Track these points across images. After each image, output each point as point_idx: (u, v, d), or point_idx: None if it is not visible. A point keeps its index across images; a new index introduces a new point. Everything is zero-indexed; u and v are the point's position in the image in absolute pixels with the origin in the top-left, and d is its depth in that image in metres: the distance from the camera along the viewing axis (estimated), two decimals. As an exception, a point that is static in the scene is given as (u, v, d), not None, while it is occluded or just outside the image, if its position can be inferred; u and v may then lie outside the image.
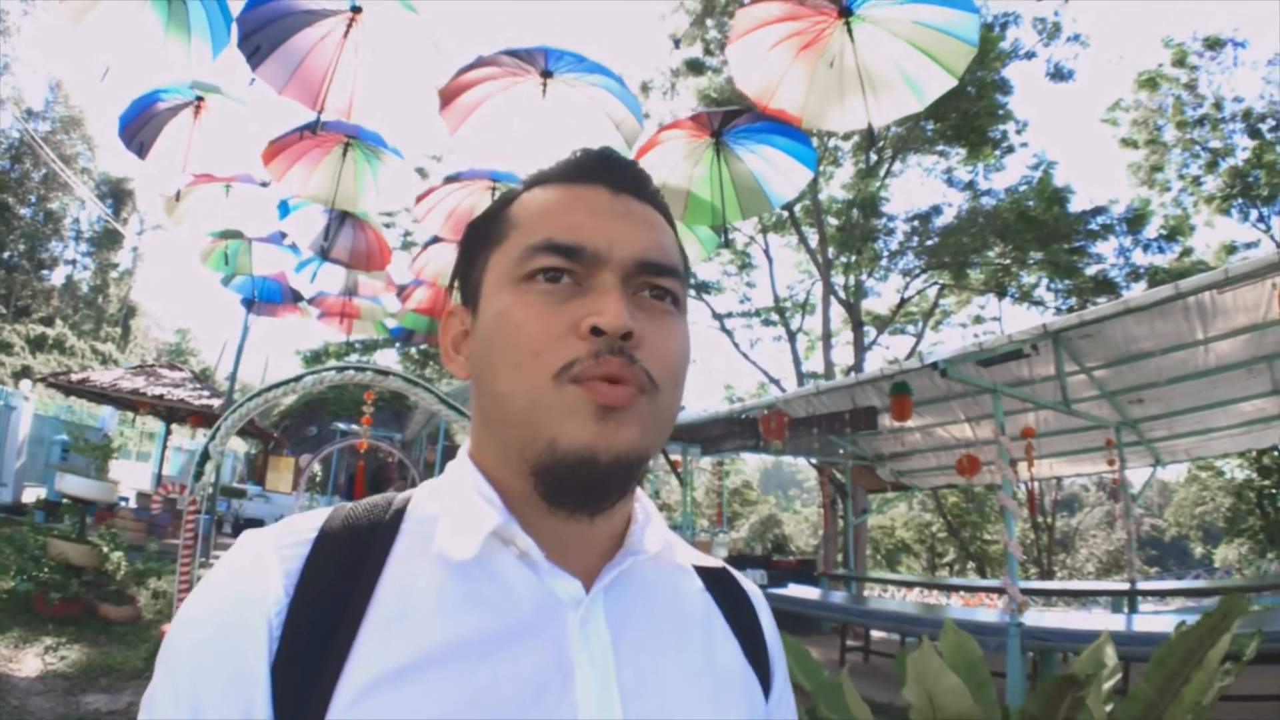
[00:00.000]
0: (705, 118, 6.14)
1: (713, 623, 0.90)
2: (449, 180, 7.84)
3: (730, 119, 6.01)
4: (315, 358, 33.93)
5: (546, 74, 5.85)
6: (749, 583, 1.02)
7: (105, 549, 9.59)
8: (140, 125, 6.80)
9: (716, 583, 0.96)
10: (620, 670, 0.76)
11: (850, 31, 4.88)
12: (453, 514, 0.79)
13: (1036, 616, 8.11)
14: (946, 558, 34.97)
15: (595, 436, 0.73)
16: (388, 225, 27.66)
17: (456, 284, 0.93)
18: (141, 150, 6.92)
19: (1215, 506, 35.46)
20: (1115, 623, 8.14)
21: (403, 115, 6.24)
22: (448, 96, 5.89)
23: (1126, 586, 11.59)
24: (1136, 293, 8.55)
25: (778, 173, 6.34)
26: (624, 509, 0.85)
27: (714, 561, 0.97)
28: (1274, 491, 28.72)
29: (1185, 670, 2.92)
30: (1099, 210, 25.27)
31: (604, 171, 0.86)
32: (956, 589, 20.30)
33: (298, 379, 7.47)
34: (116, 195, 51.18)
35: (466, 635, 0.71)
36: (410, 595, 0.73)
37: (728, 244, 23.88)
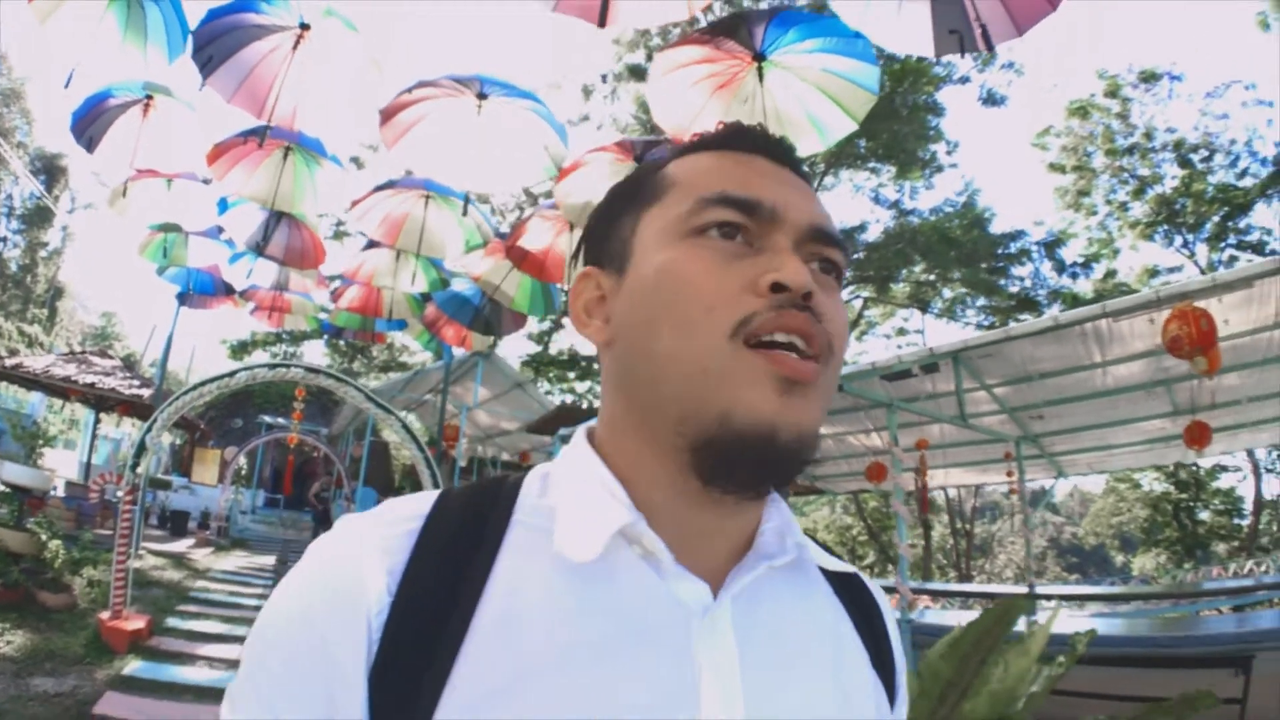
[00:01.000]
0: (629, 144, 6.56)
1: (842, 632, 0.86)
2: (384, 187, 8.15)
3: (651, 147, 6.44)
4: (242, 347, 33.82)
5: (482, 95, 6.24)
6: (877, 588, 0.97)
7: (44, 537, 9.68)
8: (91, 120, 7.04)
9: (846, 588, 0.91)
10: (746, 683, 0.71)
11: (761, 75, 5.30)
12: (572, 508, 0.75)
13: (937, 614, 8.65)
14: (866, 560, 35.71)
15: (777, 412, 0.69)
16: (321, 215, 27.82)
17: (587, 248, 0.89)
18: (90, 144, 7.14)
19: (1132, 517, 36.42)
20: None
21: (343, 126, 6.61)
22: (387, 114, 6.27)
23: (1025, 590, 12.09)
24: (1025, 322, 9.07)
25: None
26: (763, 502, 0.81)
27: (844, 566, 0.92)
28: (1191, 505, 30.08)
29: (977, 654, 3.44)
30: (1017, 234, 26.12)
31: (763, 142, 0.84)
32: (926, 593, 20.99)
33: (231, 375, 7.74)
34: (50, 171, 50.18)
35: (584, 642, 0.67)
36: (523, 597, 0.69)
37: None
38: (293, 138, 7.16)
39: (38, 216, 50.92)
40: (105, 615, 8.23)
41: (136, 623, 8.24)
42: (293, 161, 7.56)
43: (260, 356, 35.37)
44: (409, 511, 0.74)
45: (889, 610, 0.96)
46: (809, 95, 5.43)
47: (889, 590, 15.81)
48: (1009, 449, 11.82)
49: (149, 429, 7.55)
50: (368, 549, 0.70)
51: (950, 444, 12.89)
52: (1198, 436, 9.86)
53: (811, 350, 0.71)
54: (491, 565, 0.70)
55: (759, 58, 5.27)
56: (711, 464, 0.70)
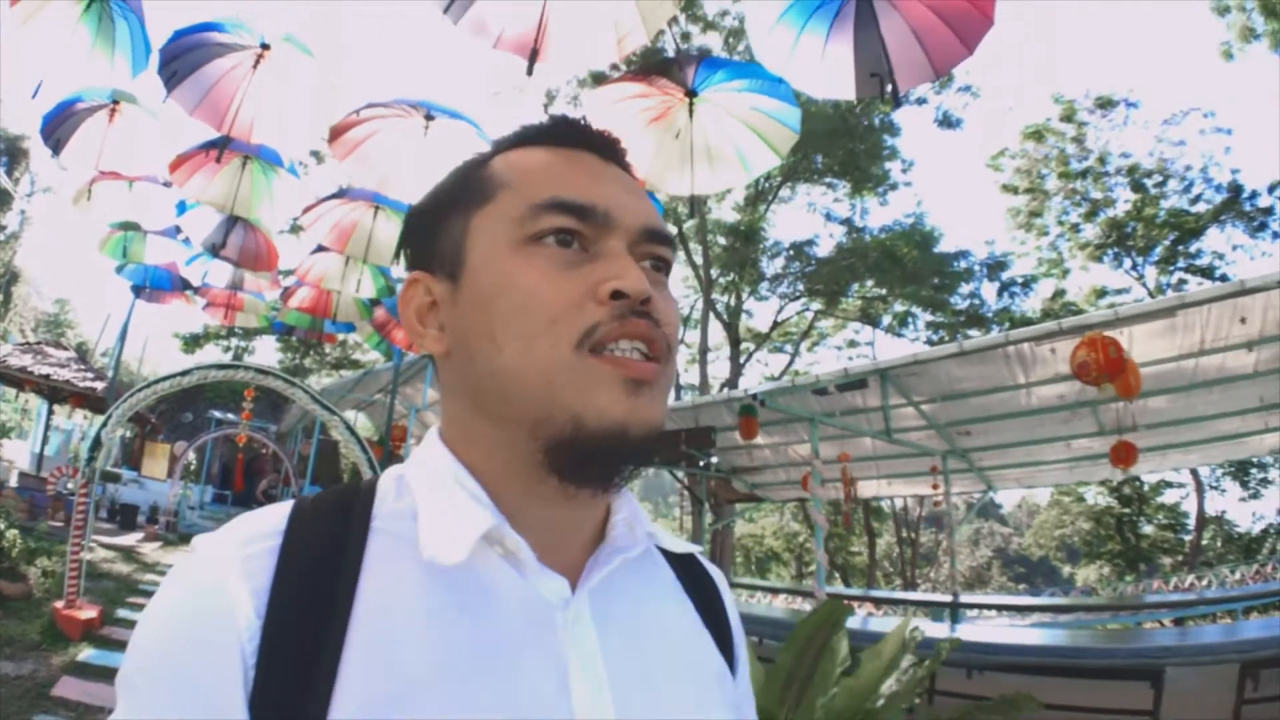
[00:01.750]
0: None
1: (689, 613, 0.89)
2: (334, 196, 8.50)
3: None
4: (194, 340, 33.59)
5: (429, 117, 6.60)
6: (714, 568, 1.00)
7: (1, 527, 9.79)
8: (59, 124, 7.29)
9: (686, 570, 0.94)
10: (610, 672, 0.73)
11: (692, 110, 5.66)
12: (434, 512, 0.74)
13: (859, 621, 9.05)
14: (813, 566, 36.00)
15: (628, 412, 0.71)
16: (282, 231, 27.85)
17: (412, 249, 0.87)
18: (57, 146, 7.37)
19: (1076, 530, 36.89)
20: (934, 629, 9.15)
21: (299, 140, 6.92)
22: (337, 131, 6.61)
23: (950, 599, 12.49)
24: (950, 343, 9.51)
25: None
26: (610, 494, 0.81)
27: (683, 546, 0.93)
28: (1134, 519, 30.72)
29: (811, 648, 3.94)
30: (962, 254, 26.58)
31: (588, 138, 0.84)
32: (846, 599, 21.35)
33: (184, 373, 7.97)
34: (11, 154, 49.29)
35: (459, 650, 0.68)
36: (393, 609, 0.69)
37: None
38: (251, 150, 7.43)
39: (-3, 199, 50.01)
40: (60, 604, 8.42)
41: (89, 612, 8.44)
42: (250, 170, 7.83)
43: (212, 350, 35.41)
44: (266, 528, 0.73)
45: (725, 585, 0.99)
46: (736, 130, 5.78)
47: (854, 598, 16.33)
48: (935, 463, 12.28)
49: (104, 424, 7.79)
50: (231, 572, 0.68)
51: (882, 456, 13.31)
52: (1124, 456, 10.22)
53: (653, 353, 0.74)
54: (357, 578, 0.70)
55: (690, 94, 5.63)
56: (567, 464, 0.72)
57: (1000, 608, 16.11)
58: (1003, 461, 13.31)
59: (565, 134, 0.83)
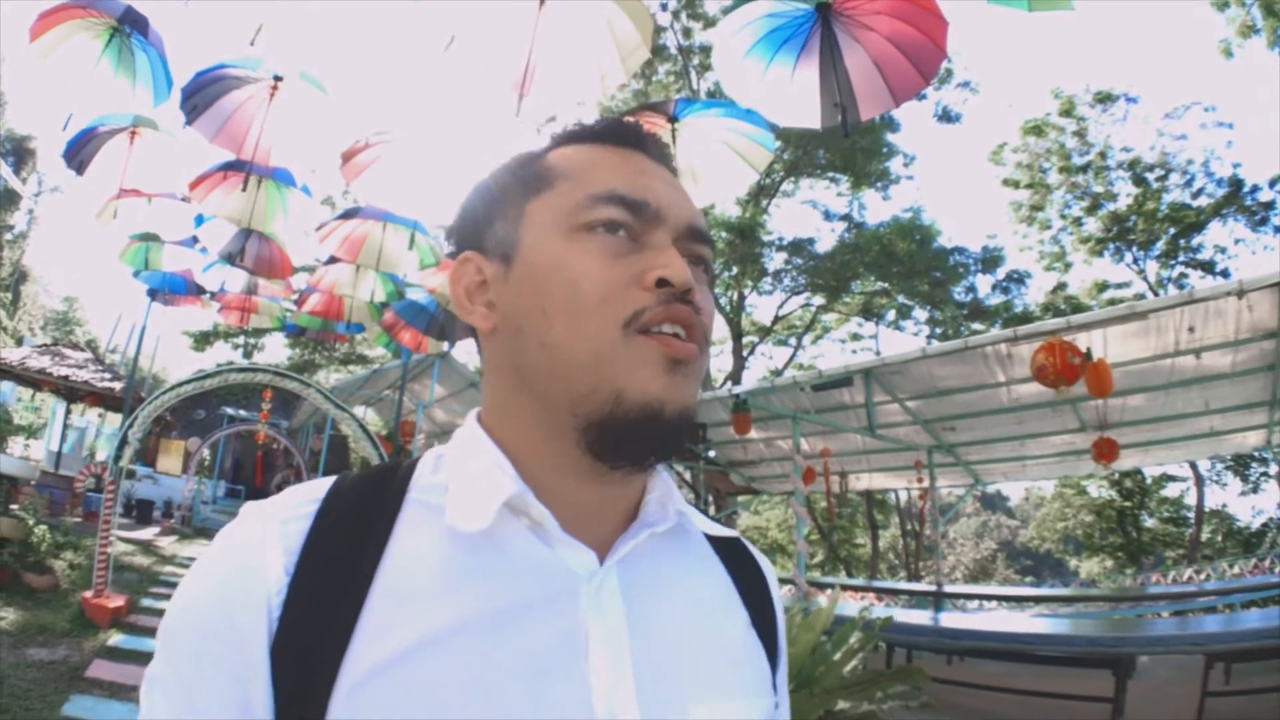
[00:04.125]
0: None
1: (725, 595, 0.90)
2: (347, 215, 9.01)
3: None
4: (204, 338, 34.28)
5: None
6: (760, 556, 1.00)
7: (30, 522, 10.21)
8: (81, 147, 7.71)
9: (729, 553, 0.95)
10: (634, 644, 0.75)
11: (675, 135, 6.09)
12: (462, 483, 0.78)
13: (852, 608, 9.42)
14: (816, 559, 36.06)
15: (665, 389, 0.74)
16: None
17: (463, 231, 0.91)
18: (80, 168, 7.80)
19: (1079, 522, 36.67)
20: (914, 617, 9.57)
21: (309, 166, 7.42)
22: (347, 157, 7.13)
23: (935, 589, 12.85)
24: (905, 350, 9.84)
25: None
26: (643, 475, 0.84)
27: (726, 531, 0.95)
28: (1136, 513, 30.73)
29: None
30: (957, 250, 26.78)
31: (641, 140, 0.88)
32: (823, 587, 21.53)
33: (209, 375, 8.42)
34: (19, 154, 49.24)
35: (476, 610, 0.70)
36: (417, 570, 0.72)
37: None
38: (266, 172, 7.87)
39: (4, 199, 49.92)
40: (88, 594, 8.83)
41: (117, 601, 8.86)
42: (265, 187, 8.27)
43: (222, 348, 36.04)
44: (307, 495, 0.77)
45: (771, 574, 0.99)
46: (717, 150, 6.21)
47: (854, 589, 16.67)
48: (920, 458, 12.72)
49: (130, 424, 8.21)
50: (267, 532, 0.73)
51: (872, 451, 13.70)
52: (1106, 452, 10.54)
53: (691, 338, 0.77)
54: (386, 541, 0.73)
55: (672, 120, 6.08)
56: (603, 441, 0.75)
57: (982, 597, 16.46)
58: (988, 456, 13.70)
59: (620, 134, 0.88)
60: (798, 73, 5.29)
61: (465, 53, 5.21)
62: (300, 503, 0.77)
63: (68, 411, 20.80)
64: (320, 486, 0.79)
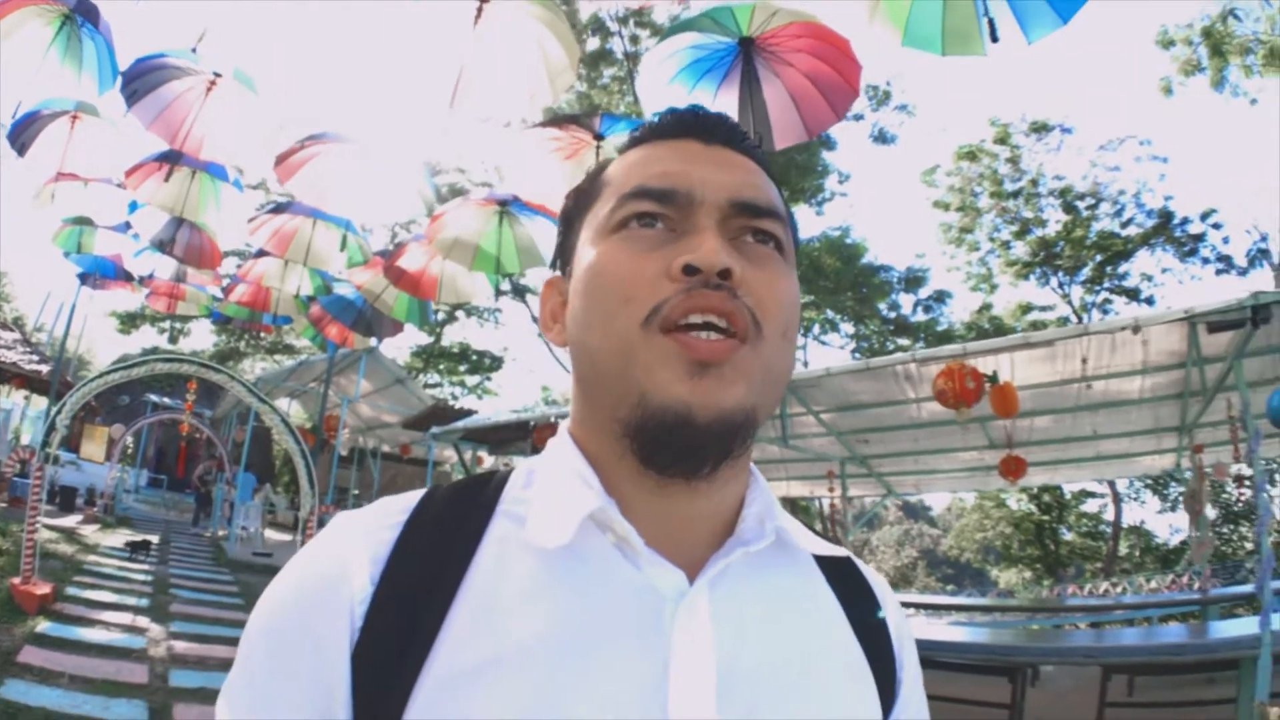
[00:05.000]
0: (492, 197, 7.97)
1: (829, 618, 0.83)
2: (276, 210, 9.23)
3: (513, 200, 7.65)
4: (130, 320, 34.05)
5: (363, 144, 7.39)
6: (875, 574, 0.94)
7: None
8: (24, 129, 7.84)
9: (838, 574, 0.88)
10: (721, 673, 0.70)
11: (599, 150, 6.35)
12: (547, 497, 0.76)
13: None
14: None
15: (690, 393, 0.69)
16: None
17: (556, 256, 0.92)
18: (22, 149, 7.97)
19: (998, 534, 37.00)
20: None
21: (242, 162, 7.58)
22: (281, 158, 7.33)
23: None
24: (811, 368, 10.16)
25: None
26: (735, 486, 0.79)
27: (837, 550, 0.87)
28: (1054, 526, 30.92)
29: None
30: (883, 269, 27.27)
31: (694, 126, 0.84)
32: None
33: (136, 364, 8.51)
34: None
35: (555, 629, 0.68)
36: (500, 586, 0.70)
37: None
38: (200, 165, 8.05)
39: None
40: (16, 580, 8.82)
41: (43, 589, 8.84)
42: (199, 179, 8.44)
43: (148, 331, 35.85)
44: (398, 506, 0.77)
45: (887, 594, 0.93)
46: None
47: None
48: (833, 468, 13.13)
49: (59, 410, 8.26)
50: (354, 541, 0.73)
51: (790, 460, 13.96)
52: (1013, 469, 10.90)
53: (734, 328, 0.71)
54: (473, 554, 0.72)
55: (599, 138, 6.34)
56: (640, 448, 0.72)
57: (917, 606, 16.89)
58: (899, 468, 14.12)
59: (671, 126, 0.85)
60: (718, 100, 5.60)
61: (400, 60, 5.44)
62: (391, 513, 0.76)
63: (-7, 393, 20.50)
64: (413, 497, 0.79)
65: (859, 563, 0.92)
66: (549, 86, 5.43)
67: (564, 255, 0.86)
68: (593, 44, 26.68)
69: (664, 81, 5.60)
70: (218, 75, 6.85)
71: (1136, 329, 7.24)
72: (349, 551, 0.72)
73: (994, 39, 4.40)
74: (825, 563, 0.87)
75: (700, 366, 0.69)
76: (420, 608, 0.68)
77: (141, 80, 6.75)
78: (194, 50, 6.16)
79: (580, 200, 0.86)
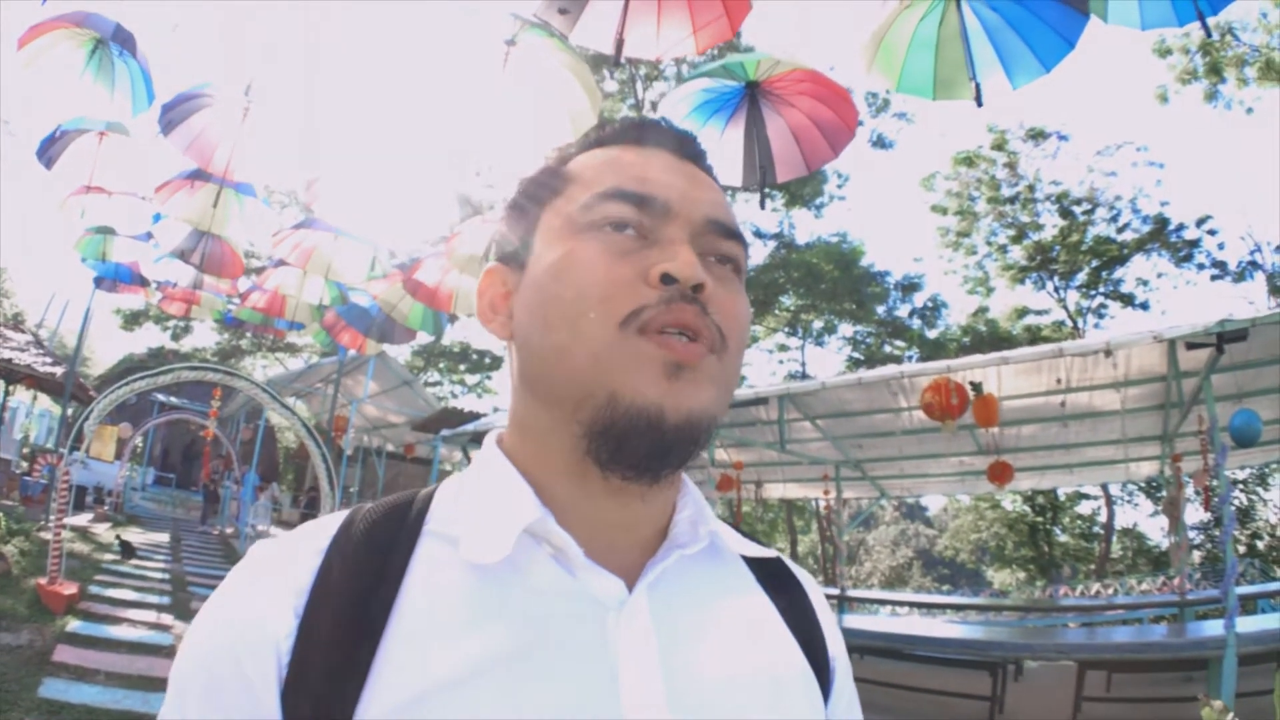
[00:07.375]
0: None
1: (764, 617, 0.84)
2: (300, 226, 9.56)
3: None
4: (134, 318, 34.49)
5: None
6: (804, 573, 0.94)
7: None
8: (51, 144, 8.11)
9: (769, 575, 0.89)
10: (668, 676, 0.70)
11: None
12: (480, 511, 0.74)
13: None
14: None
15: (665, 394, 0.69)
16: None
17: (496, 245, 0.89)
18: (50, 163, 8.22)
19: (992, 534, 37.07)
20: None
21: (271, 183, 7.93)
22: (310, 184, 7.72)
23: (838, 592, 13.62)
24: (805, 381, 10.59)
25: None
26: (671, 492, 0.81)
27: (766, 551, 0.88)
28: (1048, 528, 31.29)
29: None
30: (880, 275, 27.72)
31: (667, 137, 0.84)
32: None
33: (163, 372, 8.83)
34: None
35: (496, 649, 0.66)
36: (435, 607, 0.68)
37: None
38: (229, 184, 8.27)
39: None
40: (43, 581, 9.03)
41: (70, 588, 9.09)
42: (225, 195, 8.69)
43: (151, 328, 36.00)
44: (318, 532, 0.74)
45: (816, 591, 0.94)
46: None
47: None
48: (828, 471, 13.63)
49: (86, 416, 8.56)
50: (274, 574, 0.70)
51: (787, 463, 14.49)
52: (1000, 474, 11.27)
53: (700, 342, 0.72)
54: (402, 577, 0.69)
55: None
56: (605, 448, 0.71)
57: (880, 602, 17.33)
58: (892, 472, 14.60)
59: (641, 133, 0.85)
60: (726, 136, 5.98)
61: (431, 104, 5.82)
62: (311, 541, 0.73)
63: (5, 394, 20.48)
64: (332, 522, 0.76)
65: (789, 562, 0.93)
66: (570, 129, 5.77)
67: (510, 246, 0.85)
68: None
69: (679, 118, 5.91)
70: (249, 101, 7.17)
71: (1108, 352, 7.63)
72: (269, 585, 0.70)
73: (979, 104, 4.81)
74: (756, 564, 0.88)
75: (676, 368, 0.70)
76: (349, 640, 0.66)
77: (177, 109, 7.10)
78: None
79: (537, 191, 0.85)
